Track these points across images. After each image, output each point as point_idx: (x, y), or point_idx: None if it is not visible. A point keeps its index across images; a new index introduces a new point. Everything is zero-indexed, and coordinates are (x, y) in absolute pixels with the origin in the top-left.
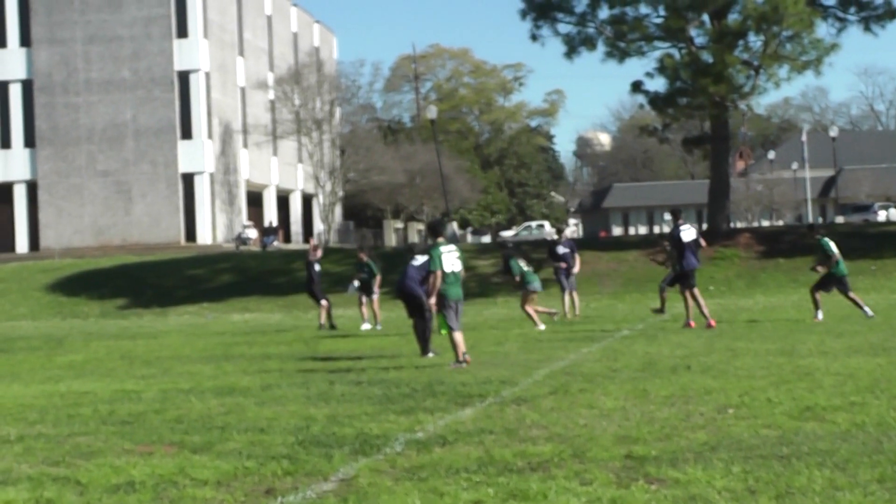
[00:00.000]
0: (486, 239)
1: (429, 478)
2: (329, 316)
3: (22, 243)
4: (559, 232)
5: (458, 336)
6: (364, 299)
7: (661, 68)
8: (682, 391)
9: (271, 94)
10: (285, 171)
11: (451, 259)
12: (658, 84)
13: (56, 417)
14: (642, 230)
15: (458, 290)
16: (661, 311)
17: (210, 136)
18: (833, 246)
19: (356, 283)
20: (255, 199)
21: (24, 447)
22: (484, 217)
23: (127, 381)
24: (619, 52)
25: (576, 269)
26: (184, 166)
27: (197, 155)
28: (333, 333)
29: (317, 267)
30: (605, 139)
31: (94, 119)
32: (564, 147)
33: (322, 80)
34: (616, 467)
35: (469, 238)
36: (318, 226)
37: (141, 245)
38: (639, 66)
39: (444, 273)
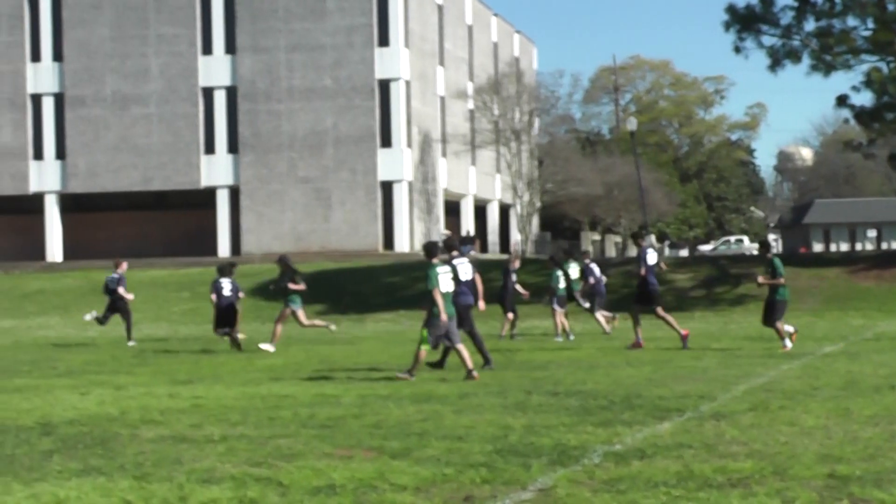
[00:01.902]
0: (684, 252)
1: (627, 491)
2: (512, 327)
3: (224, 247)
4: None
5: (423, 354)
6: (558, 309)
7: (868, 82)
8: (887, 411)
9: (470, 104)
10: (483, 180)
11: (446, 279)
12: (864, 98)
13: (257, 419)
14: (844, 247)
15: (450, 308)
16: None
17: (409, 144)
18: (782, 268)
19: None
20: (452, 209)
21: (227, 447)
22: (682, 231)
23: (326, 386)
24: (824, 66)
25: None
26: (383, 174)
27: (396, 163)
28: (522, 344)
29: (513, 276)
30: (806, 154)
31: (295, 126)
32: (765, 161)
33: (521, 90)
34: (819, 486)
35: (667, 251)
36: (515, 236)
37: (339, 252)
38: (844, 80)
39: (440, 292)
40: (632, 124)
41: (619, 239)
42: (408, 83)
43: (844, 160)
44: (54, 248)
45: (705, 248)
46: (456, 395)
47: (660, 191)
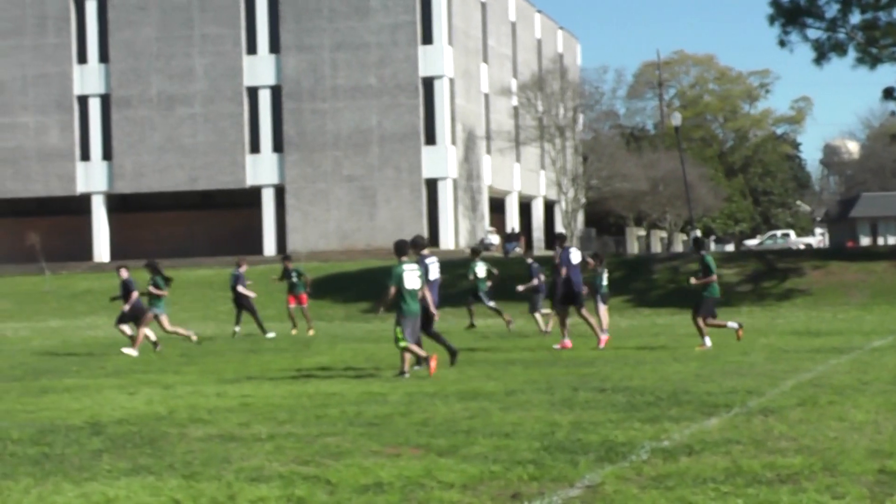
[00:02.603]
0: (730, 247)
1: (675, 487)
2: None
3: (269, 246)
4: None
5: (414, 347)
6: (602, 306)
7: None
8: None
9: (514, 101)
10: (527, 177)
11: (411, 277)
12: None
13: (305, 417)
14: (891, 240)
15: (416, 306)
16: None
17: (454, 142)
18: (714, 266)
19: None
20: (497, 206)
21: (275, 446)
22: (728, 225)
23: (373, 384)
24: (870, 58)
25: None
26: (427, 172)
27: (440, 161)
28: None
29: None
30: (853, 147)
31: (340, 125)
32: (811, 155)
33: (565, 86)
34: (869, 482)
35: (713, 246)
36: (561, 233)
37: (384, 250)
38: (891, 73)
39: (404, 290)
40: (676, 119)
41: (664, 234)
42: (452, 80)
43: (891, 153)
44: (101, 249)
45: (751, 242)
46: (503, 392)
47: (705, 186)
